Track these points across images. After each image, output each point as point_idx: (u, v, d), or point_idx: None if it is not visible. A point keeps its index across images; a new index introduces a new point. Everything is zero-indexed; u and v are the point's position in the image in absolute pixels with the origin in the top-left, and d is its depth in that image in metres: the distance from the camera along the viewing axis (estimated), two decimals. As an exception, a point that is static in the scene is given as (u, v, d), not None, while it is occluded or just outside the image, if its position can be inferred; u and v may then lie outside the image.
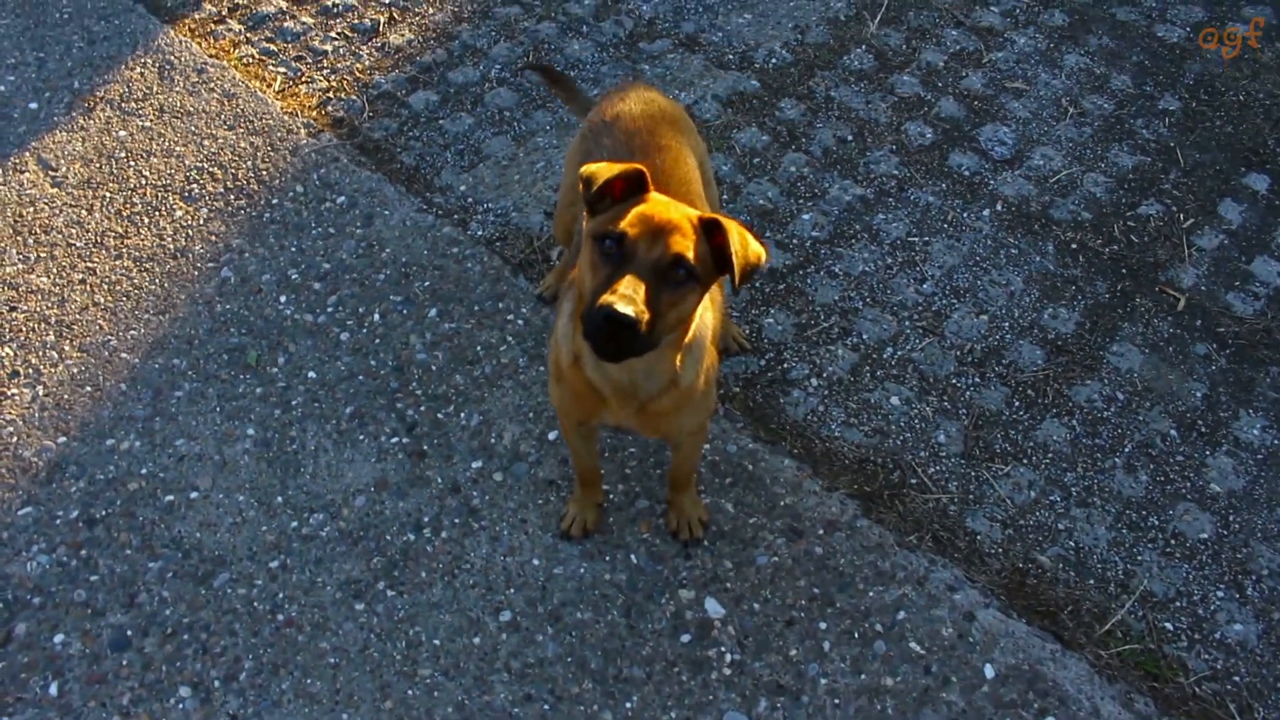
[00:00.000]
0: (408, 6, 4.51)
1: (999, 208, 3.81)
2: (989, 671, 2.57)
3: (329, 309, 3.31)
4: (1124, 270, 3.60)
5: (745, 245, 1.89)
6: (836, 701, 2.51)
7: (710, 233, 1.91)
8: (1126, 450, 3.08)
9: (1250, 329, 3.43)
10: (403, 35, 4.38)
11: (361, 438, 2.99)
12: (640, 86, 2.77)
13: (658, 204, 1.90)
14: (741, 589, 2.70)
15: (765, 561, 2.76)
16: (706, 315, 2.21)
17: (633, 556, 2.76)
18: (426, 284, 3.39)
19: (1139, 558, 2.84)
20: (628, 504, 2.86)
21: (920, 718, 2.50)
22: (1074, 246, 3.68)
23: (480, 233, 3.57)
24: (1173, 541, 2.88)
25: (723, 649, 2.59)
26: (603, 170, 1.90)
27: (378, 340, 3.23)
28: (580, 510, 2.76)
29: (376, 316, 3.30)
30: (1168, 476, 3.03)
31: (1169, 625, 2.71)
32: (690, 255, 1.85)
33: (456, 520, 2.82)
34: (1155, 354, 3.35)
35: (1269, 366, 3.33)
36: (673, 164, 2.52)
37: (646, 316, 1.80)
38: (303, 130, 3.90)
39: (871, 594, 2.71)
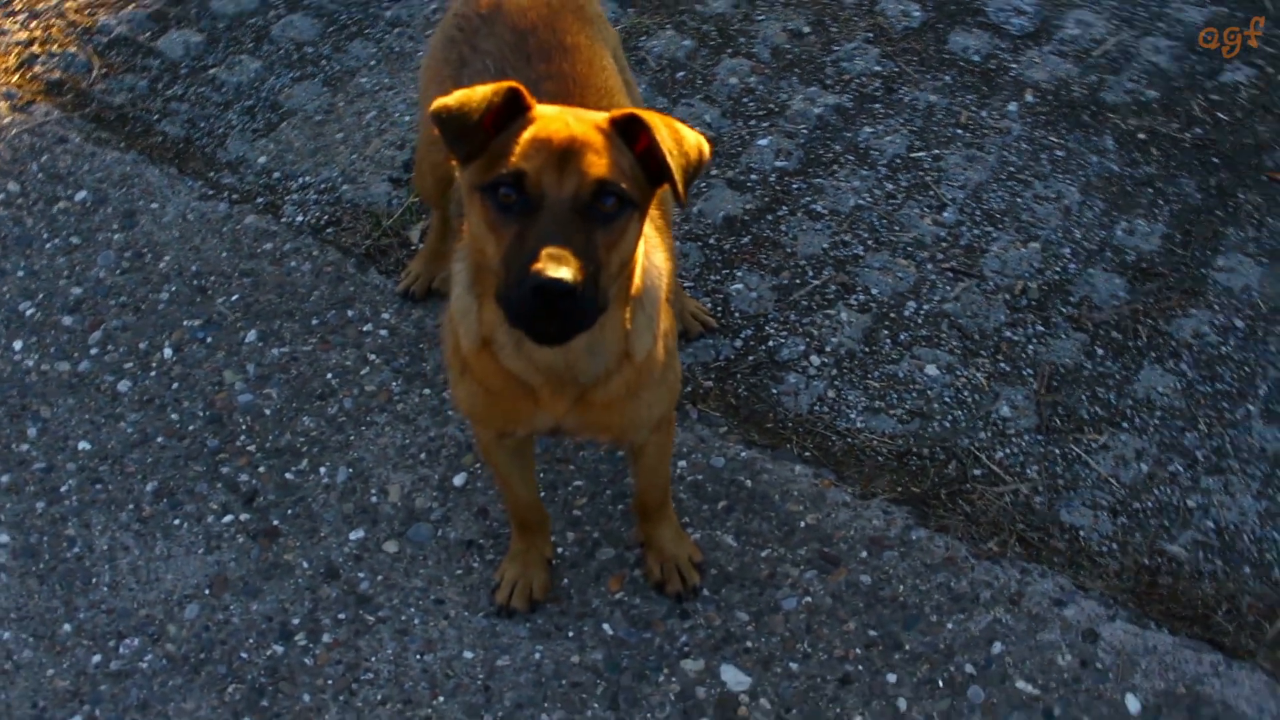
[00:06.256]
0: (131, -81, 4.73)
1: (1029, 99, 4.19)
2: (1133, 704, 2.85)
3: (92, 351, 3.46)
4: (1215, 159, 4.00)
5: (679, 139, 2.14)
6: (929, 775, 2.76)
7: (629, 135, 2.15)
8: (1262, 392, 3.43)
9: (1396, 212, 3.85)
10: (131, -41, 4.59)
11: (177, 523, 3.14)
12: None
13: (551, 120, 2.12)
14: (769, 647, 2.93)
15: (794, 605, 3.00)
16: (655, 256, 2.46)
17: (606, 626, 2.96)
18: (235, 298, 3.57)
19: (1304, 529, 3.17)
20: (584, 558, 3.07)
21: (1048, 778, 2.76)
22: (1141, 137, 4.07)
23: (300, 219, 3.78)
24: (1345, 501, 3.23)
25: (758, 730, 2.81)
26: (463, 101, 2.08)
27: (176, 385, 3.39)
28: (522, 571, 2.95)
29: (168, 352, 3.46)
30: (1322, 419, 3.38)
31: (1359, 610, 3.03)
32: (615, 174, 2.08)
33: (342, 615, 2.98)
34: (1278, 263, 3.73)
35: None
36: (586, 69, 2.78)
37: (587, 275, 2.01)
38: (2, 103, 4.05)
39: (950, 626, 2.96)
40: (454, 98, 2.10)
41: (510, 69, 2.74)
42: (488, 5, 2.85)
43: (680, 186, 2.12)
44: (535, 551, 2.95)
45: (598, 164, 2.07)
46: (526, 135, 2.09)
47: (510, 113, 2.13)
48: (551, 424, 2.50)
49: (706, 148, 2.19)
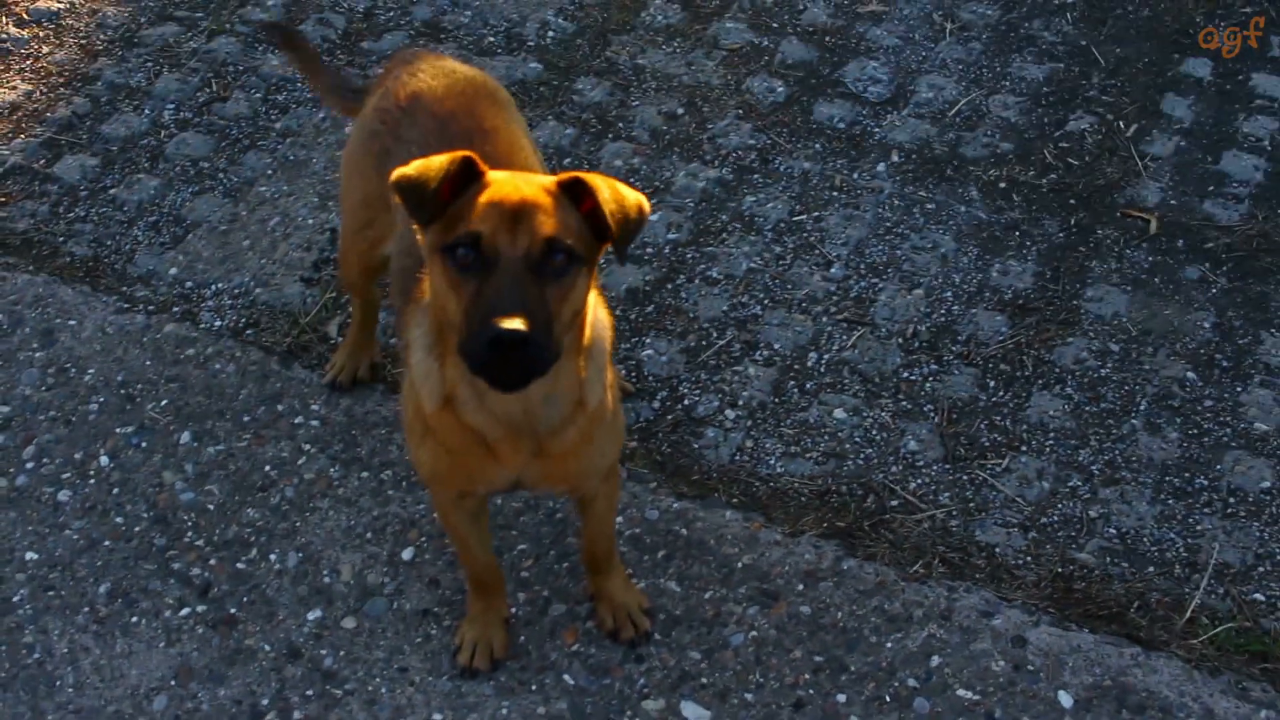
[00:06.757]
0: (7, 49, 4.83)
1: (895, 158, 4.48)
2: (1066, 700, 3.05)
3: (28, 466, 3.53)
4: (1072, 200, 4.31)
5: (619, 197, 2.33)
6: (889, 781, 2.93)
7: (575, 197, 2.35)
8: (1142, 408, 3.71)
9: (1243, 237, 4.18)
10: (14, 87, 4.69)
11: (135, 620, 3.21)
12: (428, 56, 3.23)
13: (503, 185, 2.32)
14: (723, 681, 3.09)
15: (742, 640, 3.16)
16: (600, 313, 2.65)
17: (567, 677, 3.09)
18: (164, 403, 3.66)
19: (1198, 527, 3.43)
20: (538, 615, 3.21)
21: (999, 772, 2.94)
22: (1003, 185, 4.38)
23: (219, 323, 3.89)
24: (1232, 500, 3.49)
25: (724, 758, 2.96)
26: (422, 171, 2.27)
27: (117, 490, 3.47)
28: (482, 631, 3.08)
29: (104, 460, 3.54)
30: (1201, 427, 3.66)
31: (1259, 596, 3.29)
32: (563, 233, 2.27)
33: (310, 692, 3.07)
34: (1140, 290, 4.03)
35: (1277, 275, 4.07)
36: (508, 150, 2.98)
37: (540, 326, 2.21)
38: (-92, 240, 4.11)
39: (890, 645, 3.15)
40: (413, 167, 2.28)
41: (436, 154, 2.90)
42: (406, 98, 3.03)
43: (622, 242, 2.31)
44: (493, 612, 3.08)
45: (547, 224, 2.25)
46: (481, 199, 2.27)
47: (465, 179, 2.30)
48: (511, 479, 2.66)
49: (646, 206, 2.38)
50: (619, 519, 3.36)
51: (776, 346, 3.85)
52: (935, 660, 3.12)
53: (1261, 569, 3.35)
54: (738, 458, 3.56)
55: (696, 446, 3.58)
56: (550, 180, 2.34)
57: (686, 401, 3.70)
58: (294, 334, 3.83)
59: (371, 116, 3.10)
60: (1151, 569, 3.34)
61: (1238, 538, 3.40)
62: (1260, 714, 3.03)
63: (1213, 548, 3.38)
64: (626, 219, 2.32)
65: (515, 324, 2.14)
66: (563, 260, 2.27)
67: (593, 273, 2.39)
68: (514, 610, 3.20)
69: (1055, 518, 3.45)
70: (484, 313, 2.19)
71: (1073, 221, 4.23)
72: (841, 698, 3.05)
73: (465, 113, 2.99)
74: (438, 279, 2.32)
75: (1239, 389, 3.75)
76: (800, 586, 3.26)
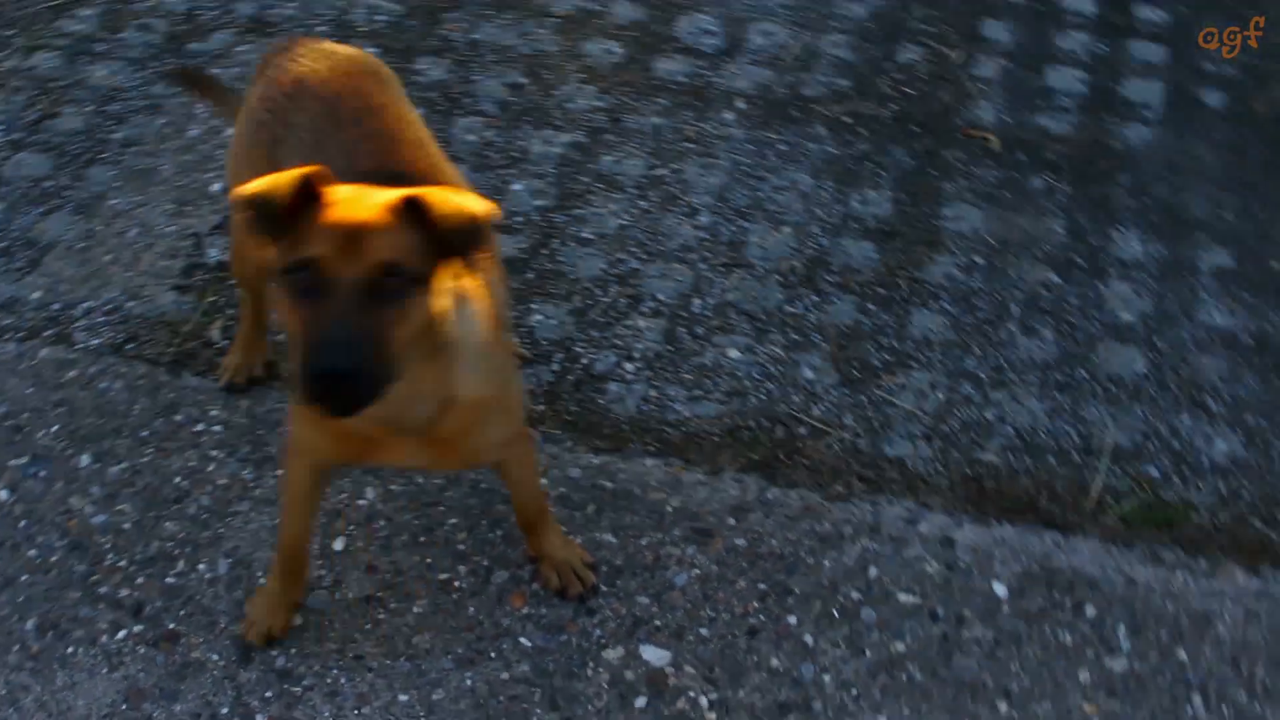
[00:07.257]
0: None
1: (741, 106, 4.57)
2: (1001, 590, 3.19)
3: (-77, 510, 3.40)
4: (915, 128, 4.47)
5: (448, 205, 2.23)
6: (854, 692, 3.02)
7: (419, 212, 2.24)
8: (1015, 313, 3.88)
9: (1077, 145, 4.39)
10: None
11: (71, 650, 3.12)
12: (305, 41, 3.19)
13: (341, 205, 2.23)
14: (675, 620, 3.15)
15: (686, 579, 3.22)
16: (469, 308, 2.54)
17: (524, 640, 3.12)
18: (55, 429, 3.56)
19: (1087, 417, 3.60)
20: (481, 585, 3.22)
21: (954, 668, 3.06)
22: (847, 120, 4.51)
23: (95, 342, 3.79)
24: (1112, 387, 3.68)
25: (692, 694, 3.01)
26: (267, 190, 2.18)
27: (24, 523, 3.36)
28: (264, 615, 3.09)
29: (3, 494, 3.42)
30: (1071, 324, 3.85)
31: (1154, 471, 3.48)
32: (397, 254, 2.19)
33: (269, 694, 3.03)
34: (994, 204, 4.20)
35: (1115, 175, 4.28)
36: (397, 124, 2.95)
37: (367, 357, 2.14)
38: None
39: (827, 563, 3.25)
40: (257, 184, 2.20)
41: (328, 137, 2.88)
42: (291, 83, 2.99)
43: (465, 252, 2.24)
44: (285, 596, 3.09)
45: (381, 246, 2.17)
46: (320, 221, 2.19)
47: (309, 195, 2.22)
48: (401, 463, 2.66)
49: (488, 210, 2.27)
50: (543, 481, 3.38)
51: (661, 297, 3.91)
52: (873, 571, 3.23)
53: (1151, 446, 3.54)
54: (644, 408, 3.62)
55: (602, 402, 3.63)
56: (396, 195, 2.24)
57: (584, 360, 3.73)
58: (176, 343, 3.76)
59: (257, 107, 3.05)
60: (1051, 459, 3.51)
61: (1124, 421, 3.59)
62: (1176, 575, 3.23)
63: (1104, 433, 3.55)
64: (458, 226, 2.22)
65: (337, 360, 2.10)
66: (399, 282, 2.19)
67: (430, 289, 2.27)
68: (456, 584, 3.21)
69: (955, 424, 3.59)
70: (313, 342, 2.13)
71: (919, 147, 4.38)
72: (792, 619, 3.14)
73: (352, 92, 2.97)
74: (281, 300, 2.24)
75: (1099, 285, 3.94)
76: (731, 521, 3.33)
